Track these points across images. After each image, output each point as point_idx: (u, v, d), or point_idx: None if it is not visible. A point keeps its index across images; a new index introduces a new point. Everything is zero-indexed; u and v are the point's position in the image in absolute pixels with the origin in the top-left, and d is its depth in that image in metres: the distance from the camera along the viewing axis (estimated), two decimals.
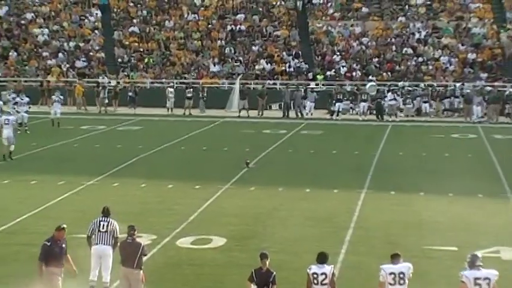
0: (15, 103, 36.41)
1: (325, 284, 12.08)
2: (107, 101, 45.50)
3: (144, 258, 14.10)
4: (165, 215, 20.72)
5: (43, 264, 13.42)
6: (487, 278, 11.59)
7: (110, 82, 48.42)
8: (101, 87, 46.54)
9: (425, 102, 44.24)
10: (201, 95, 45.69)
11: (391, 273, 11.97)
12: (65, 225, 13.76)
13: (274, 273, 12.28)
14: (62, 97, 40.54)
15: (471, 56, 49.55)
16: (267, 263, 12.35)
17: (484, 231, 19.18)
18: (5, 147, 28.93)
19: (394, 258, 12.24)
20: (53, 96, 40.68)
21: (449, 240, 18.13)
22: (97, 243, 14.47)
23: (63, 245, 13.63)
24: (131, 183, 24.80)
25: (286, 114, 44.03)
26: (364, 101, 43.74)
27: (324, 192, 23.69)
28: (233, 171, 26.71)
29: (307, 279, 12.18)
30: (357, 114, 43.62)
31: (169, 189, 24.09)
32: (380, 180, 25.71)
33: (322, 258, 12.29)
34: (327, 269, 12.16)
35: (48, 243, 13.53)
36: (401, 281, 11.90)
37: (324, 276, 12.08)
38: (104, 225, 14.51)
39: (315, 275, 12.09)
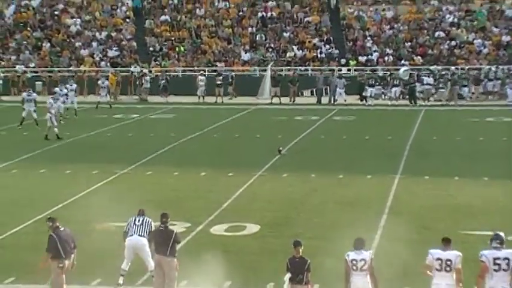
0: (54, 93, 36.77)
1: (364, 270, 11.99)
2: (148, 85, 46.03)
3: (178, 246, 14.14)
4: (199, 202, 20.75)
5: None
6: (507, 258, 11.56)
7: (150, 71, 48.81)
8: (142, 77, 46.95)
9: (464, 86, 43.67)
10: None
11: (438, 259, 11.84)
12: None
13: (309, 261, 12.19)
14: (107, 82, 42.93)
15: (505, 38, 48.99)
16: (300, 250, 12.28)
17: None
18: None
19: (445, 243, 12.05)
20: (99, 82, 42.84)
21: (485, 224, 17.97)
22: (132, 235, 14.47)
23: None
24: (164, 171, 24.87)
25: (319, 100, 43.93)
26: (396, 85, 43.49)
27: (358, 177, 23.59)
28: (266, 158, 26.69)
29: (345, 266, 12.08)
30: (388, 99, 43.35)
31: (202, 176, 24.13)
32: (414, 165, 25.56)
33: (359, 244, 12.18)
34: (366, 254, 12.05)
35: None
36: (448, 268, 11.77)
37: (363, 262, 11.98)
38: (139, 219, 14.53)
39: (354, 262, 11.98)
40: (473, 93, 43.87)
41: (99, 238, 16.93)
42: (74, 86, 40.15)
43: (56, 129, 31.42)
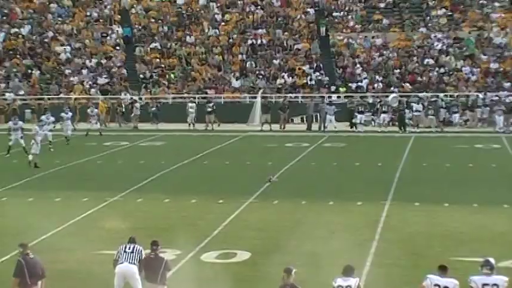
0: (40, 120, 36.79)
1: None
2: (138, 113, 46.20)
3: (169, 274, 14.09)
4: (189, 230, 20.70)
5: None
6: (496, 284, 11.59)
7: (140, 98, 49.01)
8: (132, 104, 47.11)
9: (454, 112, 43.88)
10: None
11: (436, 285, 11.84)
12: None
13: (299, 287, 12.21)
14: (96, 110, 43.29)
15: (493, 65, 49.32)
16: (285, 276, 12.21)
17: (510, 241, 19.02)
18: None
19: (442, 270, 12.06)
20: (88, 111, 43.01)
21: (475, 251, 17.97)
22: (122, 262, 14.40)
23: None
24: (155, 198, 24.83)
25: (310, 127, 44.05)
26: (385, 112, 43.69)
27: (348, 204, 23.60)
28: (256, 185, 26.68)
29: None
30: (378, 126, 43.52)
31: (193, 204, 24.10)
32: (404, 191, 25.60)
33: (347, 271, 12.22)
34: (352, 281, 12.08)
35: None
36: None
37: None
38: (130, 247, 14.47)
39: None
40: (467, 120, 44.11)
41: (89, 266, 16.86)
42: (70, 114, 40.22)
43: (30, 157, 31.20)
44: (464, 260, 17.21)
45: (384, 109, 43.86)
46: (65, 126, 39.30)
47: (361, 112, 43.46)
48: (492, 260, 12.11)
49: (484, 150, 35.40)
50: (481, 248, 18.20)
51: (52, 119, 38.01)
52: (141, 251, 14.44)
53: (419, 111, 43.24)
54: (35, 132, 32.02)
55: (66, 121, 39.43)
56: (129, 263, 14.28)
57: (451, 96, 46.22)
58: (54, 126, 38.26)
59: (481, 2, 54.43)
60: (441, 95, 46.06)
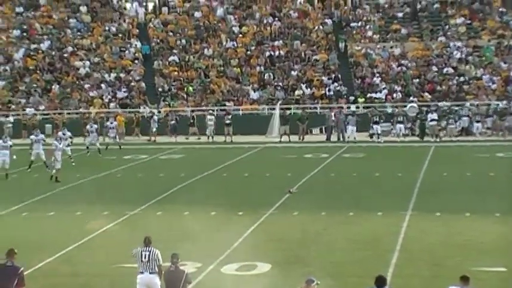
0: (58, 138, 36.94)
1: None
2: (154, 129, 46.33)
3: (189, 286, 14.07)
4: (209, 242, 20.67)
5: None
6: None
7: (159, 111, 49.18)
8: (150, 117, 47.31)
9: (477, 121, 43.64)
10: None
11: None
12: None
13: None
14: (115, 123, 43.89)
15: None
16: (304, 287, 12.18)
17: None
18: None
19: (464, 281, 11.96)
20: (108, 123, 43.59)
21: (497, 261, 17.86)
22: (142, 272, 14.49)
23: None
24: (175, 211, 24.85)
25: (329, 137, 43.98)
26: (401, 122, 43.47)
27: (368, 215, 23.51)
28: (276, 196, 26.64)
29: None
30: (396, 136, 43.33)
31: (213, 216, 24.08)
32: (425, 201, 25.46)
33: (380, 282, 12.12)
34: None
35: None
36: None
37: None
38: (145, 255, 14.53)
39: None
40: (488, 128, 43.77)
41: (110, 279, 16.88)
42: (95, 126, 40.55)
43: (54, 171, 31.54)
44: (487, 270, 17.07)
45: (399, 119, 43.66)
46: (93, 138, 40.01)
47: (377, 122, 43.18)
48: None
49: (506, 159, 35.17)
50: (503, 258, 18.08)
51: (69, 134, 38.04)
52: (158, 254, 14.52)
53: (435, 120, 42.92)
54: (55, 148, 32.10)
55: (91, 134, 40.02)
56: (150, 273, 14.37)
57: (471, 104, 45.96)
58: (71, 142, 38.32)
59: (500, 9, 54.25)
60: (468, 104, 45.80)
